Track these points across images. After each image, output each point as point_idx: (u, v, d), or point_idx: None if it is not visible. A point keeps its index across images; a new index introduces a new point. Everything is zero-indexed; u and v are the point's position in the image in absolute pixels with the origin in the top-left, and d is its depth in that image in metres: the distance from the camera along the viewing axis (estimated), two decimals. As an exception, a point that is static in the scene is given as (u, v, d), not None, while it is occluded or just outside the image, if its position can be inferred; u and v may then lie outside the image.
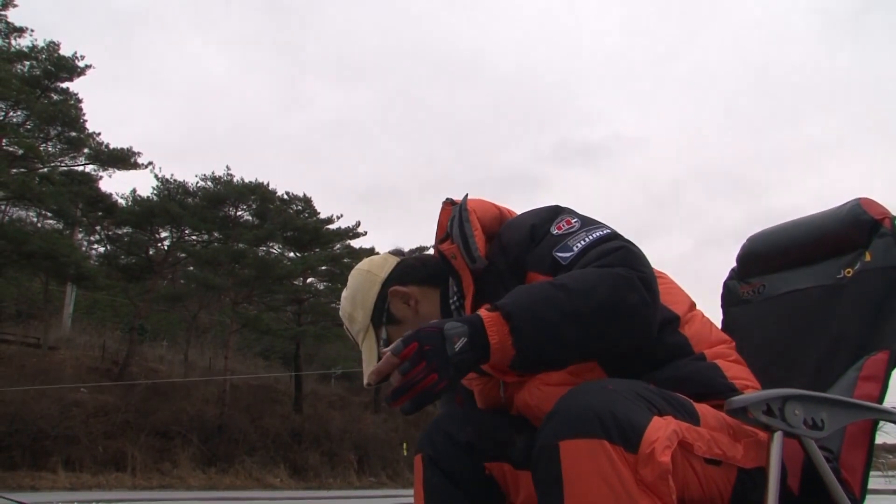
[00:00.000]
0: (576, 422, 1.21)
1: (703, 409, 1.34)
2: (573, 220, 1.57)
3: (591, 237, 1.50)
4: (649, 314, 1.40)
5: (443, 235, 1.73)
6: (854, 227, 1.76)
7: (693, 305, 1.64)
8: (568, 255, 1.49)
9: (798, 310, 1.83)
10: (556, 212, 1.62)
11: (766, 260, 1.99)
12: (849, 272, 1.74)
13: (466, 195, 1.71)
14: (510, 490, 1.66)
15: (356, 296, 1.81)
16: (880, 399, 1.53)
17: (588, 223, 1.56)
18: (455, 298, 1.72)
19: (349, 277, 1.85)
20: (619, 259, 1.41)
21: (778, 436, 1.30)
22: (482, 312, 1.36)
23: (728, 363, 1.53)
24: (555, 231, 1.56)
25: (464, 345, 1.32)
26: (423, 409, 1.33)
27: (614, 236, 1.50)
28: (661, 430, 1.21)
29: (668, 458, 1.18)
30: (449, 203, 1.77)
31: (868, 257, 1.71)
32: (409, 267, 1.80)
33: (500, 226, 1.71)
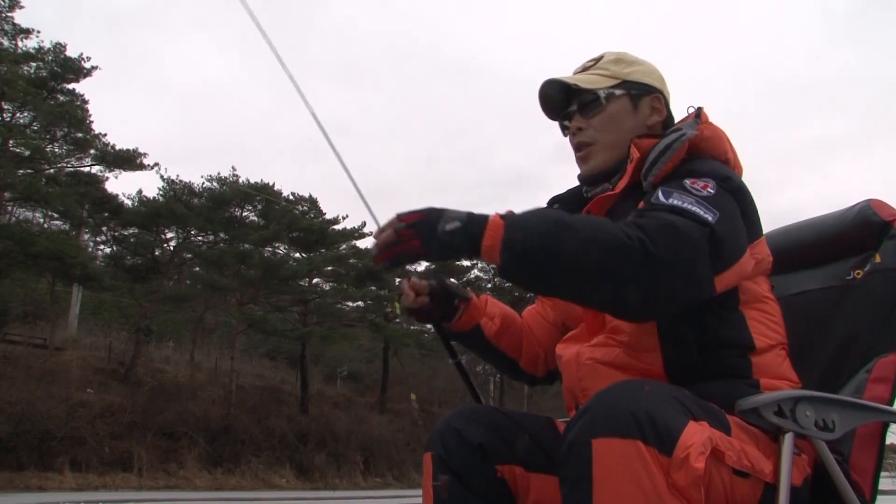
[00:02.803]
0: (611, 420, 1.20)
1: (734, 420, 1.33)
2: (709, 187, 1.51)
3: (686, 204, 1.45)
4: (639, 293, 1.36)
5: (649, 145, 1.66)
6: (864, 228, 1.76)
7: (782, 342, 1.58)
8: (660, 200, 1.48)
9: (808, 311, 1.83)
10: (720, 175, 1.55)
11: (775, 261, 1.98)
12: (859, 274, 1.74)
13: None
14: (520, 493, 1.65)
15: (646, 65, 1.82)
16: (891, 401, 1.52)
17: (712, 199, 1.48)
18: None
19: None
20: (656, 231, 1.38)
21: (789, 437, 1.30)
22: (493, 215, 1.42)
23: None
24: (687, 182, 1.52)
25: (455, 229, 1.40)
26: (398, 266, 1.51)
27: (700, 220, 1.42)
28: (697, 436, 1.19)
29: (703, 465, 1.17)
30: (702, 119, 1.70)
31: (878, 259, 1.71)
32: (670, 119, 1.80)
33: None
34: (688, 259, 1.39)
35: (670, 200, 1.46)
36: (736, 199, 1.53)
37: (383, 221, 1.52)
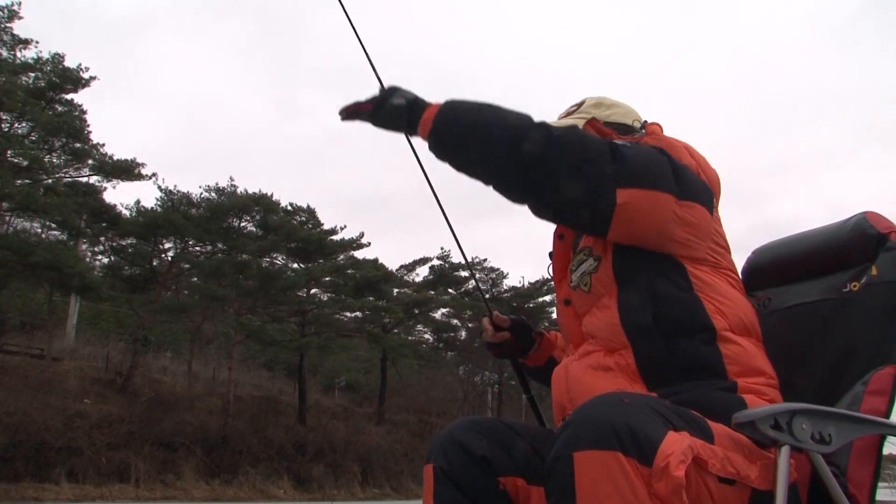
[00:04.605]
0: (591, 433, 1.22)
1: (717, 427, 1.34)
2: (628, 141, 1.69)
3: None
4: (537, 158, 1.54)
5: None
6: (860, 240, 1.76)
7: (749, 329, 1.63)
8: None
9: (804, 323, 1.83)
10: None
11: (771, 272, 2.00)
12: (855, 286, 1.75)
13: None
14: None
15: (624, 107, 1.97)
16: (887, 414, 1.52)
17: (627, 143, 1.65)
18: None
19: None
20: (562, 127, 1.60)
21: (785, 450, 1.30)
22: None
23: (761, 401, 1.51)
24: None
25: (400, 104, 1.69)
26: (352, 119, 1.78)
27: (604, 141, 1.60)
28: (676, 445, 1.21)
29: (683, 473, 1.18)
30: (646, 131, 1.90)
31: (874, 271, 1.71)
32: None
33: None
34: (583, 150, 1.56)
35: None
36: (660, 153, 1.65)
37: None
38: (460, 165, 1.65)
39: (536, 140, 1.53)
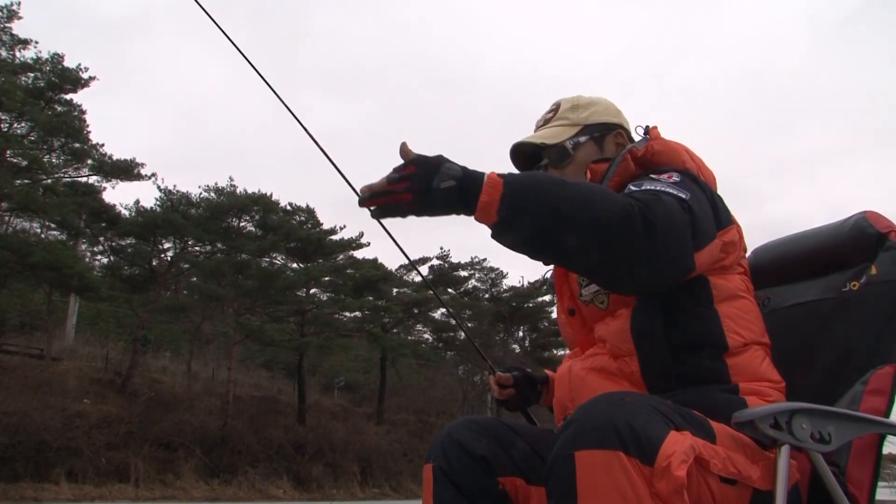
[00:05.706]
0: (593, 432, 1.21)
1: (719, 427, 1.34)
2: (673, 176, 1.58)
3: (661, 186, 1.50)
4: (632, 251, 1.38)
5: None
6: (860, 240, 1.77)
7: (759, 340, 1.62)
8: (632, 190, 1.51)
9: (804, 322, 1.84)
10: (679, 168, 1.66)
11: (771, 272, 2.00)
12: (855, 285, 1.75)
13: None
14: None
15: (601, 103, 1.91)
16: (887, 413, 1.53)
17: (680, 183, 1.55)
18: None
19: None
20: (645, 198, 1.42)
21: (785, 449, 1.30)
22: (490, 173, 1.39)
23: (761, 401, 1.50)
24: (652, 175, 1.60)
25: (450, 186, 1.36)
26: (387, 217, 1.46)
27: (678, 198, 1.48)
28: (678, 445, 1.21)
29: (684, 473, 1.18)
30: (651, 136, 1.80)
31: (874, 270, 1.71)
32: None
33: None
34: (678, 231, 1.43)
35: (643, 187, 1.52)
36: (698, 186, 1.60)
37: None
38: (531, 254, 1.48)
39: (635, 227, 1.36)
